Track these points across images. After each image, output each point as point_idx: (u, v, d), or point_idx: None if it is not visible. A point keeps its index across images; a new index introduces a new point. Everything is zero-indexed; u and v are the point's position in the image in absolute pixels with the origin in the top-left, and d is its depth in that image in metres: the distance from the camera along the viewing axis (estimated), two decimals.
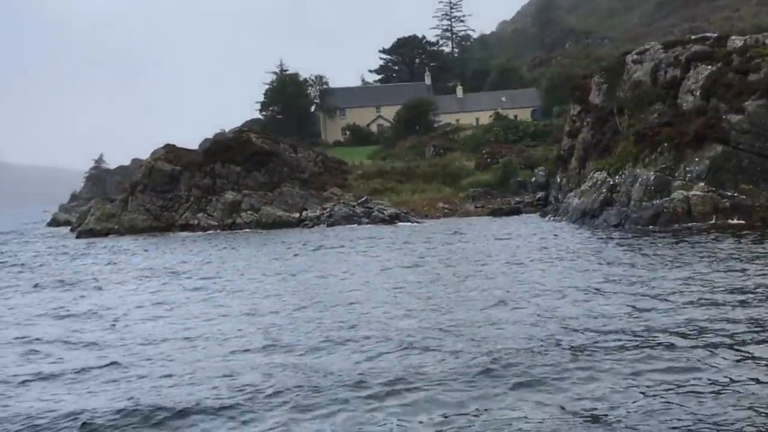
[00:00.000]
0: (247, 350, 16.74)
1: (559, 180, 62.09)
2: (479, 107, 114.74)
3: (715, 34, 51.74)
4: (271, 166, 72.78)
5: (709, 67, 46.61)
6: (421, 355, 15.12)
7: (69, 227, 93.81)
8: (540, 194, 67.45)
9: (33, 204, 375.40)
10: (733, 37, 48.18)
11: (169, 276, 32.23)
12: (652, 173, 44.24)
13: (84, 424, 12.03)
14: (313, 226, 63.73)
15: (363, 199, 68.27)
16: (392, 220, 62.21)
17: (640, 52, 53.16)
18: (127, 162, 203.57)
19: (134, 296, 26.70)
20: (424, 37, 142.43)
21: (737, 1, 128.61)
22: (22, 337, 19.66)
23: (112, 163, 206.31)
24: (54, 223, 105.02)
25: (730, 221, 39.42)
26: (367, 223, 62.08)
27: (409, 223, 60.81)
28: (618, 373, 13.06)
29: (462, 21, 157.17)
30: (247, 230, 64.70)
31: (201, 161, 73.91)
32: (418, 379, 13.31)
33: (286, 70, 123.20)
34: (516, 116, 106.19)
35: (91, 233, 70.34)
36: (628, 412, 11.15)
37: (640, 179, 44.58)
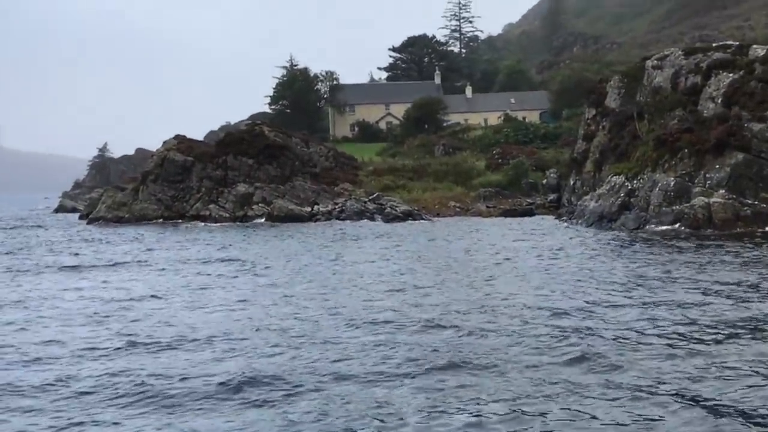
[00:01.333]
0: None
1: (572, 183, 62.17)
2: (488, 108, 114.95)
3: (737, 43, 51.92)
4: (283, 160, 72.92)
5: (731, 75, 46.78)
6: None
7: (77, 214, 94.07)
8: (552, 196, 67.61)
9: (32, 190, 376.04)
10: (755, 46, 48.32)
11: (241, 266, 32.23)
12: (672, 179, 44.38)
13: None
14: (325, 221, 63.77)
15: (375, 195, 68.40)
16: (405, 217, 62.34)
17: (660, 58, 53.25)
18: (131, 152, 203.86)
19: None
20: (434, 36, 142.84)
21: (748, 11, 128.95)
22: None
23: (117, 152, 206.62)
24: (61, 209, 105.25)
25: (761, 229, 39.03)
26: (381, 220, 62.19)
27: (422, 221, 60.94)
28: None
29: (471, 22, 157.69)
30: (258, 222, 64.79)
31: (213, 153, 74.06)
32: None
33: (296, 65, 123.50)
34: (525, 118, 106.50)
35: (102, 221, 70.51)
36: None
37: (659, 184, 44.71)
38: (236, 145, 73.69)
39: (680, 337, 15.78)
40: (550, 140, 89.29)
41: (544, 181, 72.72)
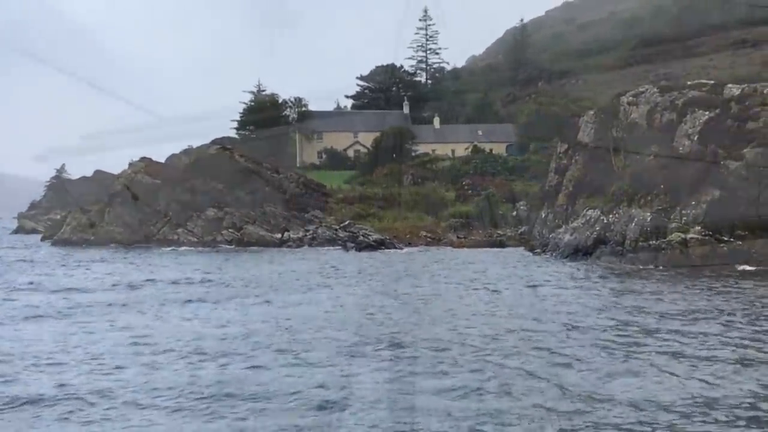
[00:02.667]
0: None
1: (544, 215, 62.41)
2: (455, 139, 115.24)
3: (711, 81, 52.61)
4: (253, 185, 72.47)
5: (707, 113, 47.35)
6: None
7: (38, 236, 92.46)
8: (523, 228, 67.77)
9: None
10: (729, 85, 49.00)
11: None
12: (648, 214, 44.67)
13: None
14: (296, 248, 63.28)
15: (346, 223, 68.10)
16: (377, 246, 62.02)
17: (635, 94, 53.88)
18: (89, 173, 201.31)
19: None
20: (401, 66, 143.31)
21: (711, 50, 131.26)
22: None
23: (75, 173, 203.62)
24: (20, 230, 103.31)
25: (747, 267, 38.96)
26: (353, 248, 61.81)
27: (394, 250, 60.70)
28: None
29: (437, 53, 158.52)
30: (227, 247, 64.10)
31: (182, 176, 73.40)
32: None
33: (263, 91, 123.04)
34: (491, 150, 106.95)
35: (67, 243, 69.35)
36: None
37: (636, 219, 45.00)
38: (205, 169, 73.08)
39: None
40: (518, 173, 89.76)
41: (514, 213, 72.98)
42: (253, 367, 16.91)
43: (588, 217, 49.30)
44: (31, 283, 36.66)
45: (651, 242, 43.29)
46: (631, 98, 53.82)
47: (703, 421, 12.67)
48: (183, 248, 63.67)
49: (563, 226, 54.54)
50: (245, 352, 18.52)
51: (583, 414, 12.96)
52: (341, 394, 14.35)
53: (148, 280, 37.01)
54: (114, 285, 34.98)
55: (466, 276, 38.70)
